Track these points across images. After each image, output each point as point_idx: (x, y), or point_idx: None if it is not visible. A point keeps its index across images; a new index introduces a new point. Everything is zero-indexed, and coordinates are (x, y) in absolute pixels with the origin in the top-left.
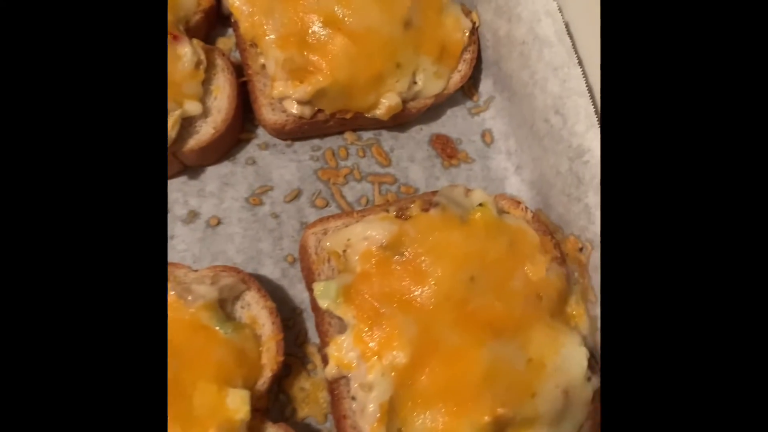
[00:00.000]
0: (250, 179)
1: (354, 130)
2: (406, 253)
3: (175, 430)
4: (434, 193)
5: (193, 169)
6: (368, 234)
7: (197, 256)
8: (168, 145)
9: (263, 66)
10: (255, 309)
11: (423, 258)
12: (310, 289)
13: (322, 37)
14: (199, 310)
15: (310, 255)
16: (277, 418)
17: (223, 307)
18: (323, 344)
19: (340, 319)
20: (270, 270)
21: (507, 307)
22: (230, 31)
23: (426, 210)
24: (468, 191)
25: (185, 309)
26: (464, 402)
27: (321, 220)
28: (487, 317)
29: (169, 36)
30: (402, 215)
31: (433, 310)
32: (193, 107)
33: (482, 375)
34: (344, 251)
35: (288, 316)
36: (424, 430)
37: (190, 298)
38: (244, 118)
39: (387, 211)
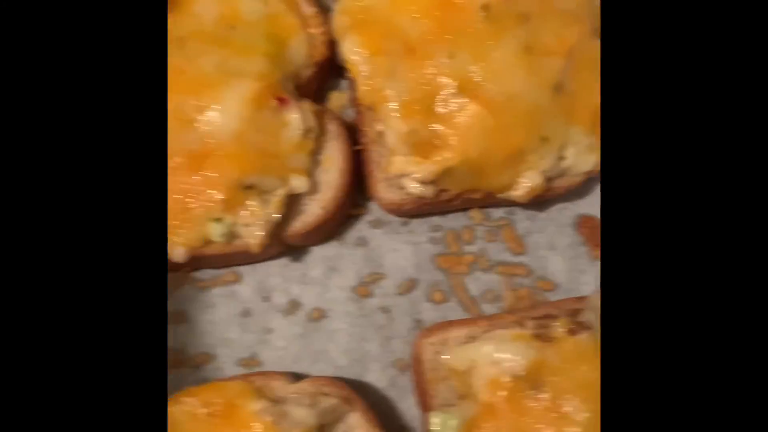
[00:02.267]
0: (359, 264)
1: (482, 207)
2: (545, 388)
3: None
4: (582, 299)
5: (296, 249)
6: (498, 357)
7: (296, 355)
8: (271, 229)
9: (381, 134)
10: None
11: (568, 399)
12: (424, 408)
13: (453, 105)
14: None
15: (425, 371)
16: None
17: (323, 430)
18: None
19: None
20: (377, 376)
21: None
22: (344, 83)
23: (573, 332)
24: None
25: None
26: None
27: (440, 327)
28: None
29: (274, 100)
30: (542, 335)
31: None
32: (299, 183)
33: None
34: (467, 371)
35: None
36: None
37: (285, 425)
38: (356, 190)
39: (521, 325)
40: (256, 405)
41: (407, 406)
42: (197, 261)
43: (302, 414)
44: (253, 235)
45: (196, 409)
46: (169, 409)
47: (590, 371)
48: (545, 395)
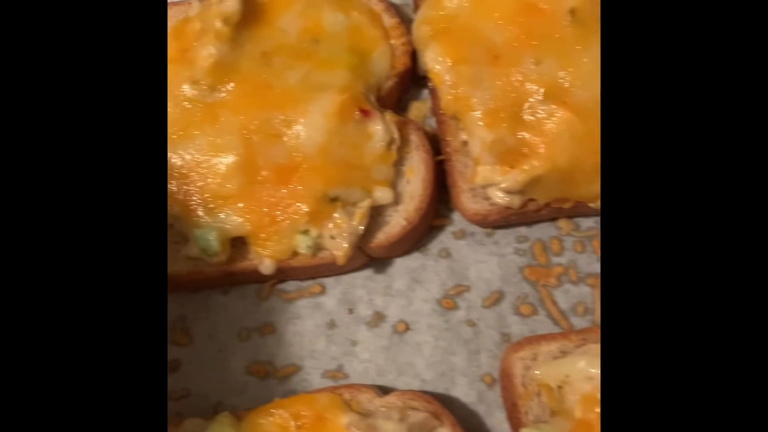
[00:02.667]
0: (443, 276)
1: (570, 217)
2: None
3: None
4: None
5: (379, 260)
6: (593, 373)
7: (382, 368)
8: (356, 241)
9: (465, 143)
10: None
11: None
12: (514, 425)
13: (541, 112)
14: None
15: (516, 386)
16: None
17: None
18: None
19: None
20: (464, 391)
21: None
22: (425, 93)
23: None
24: None
25: None
26: None
27: (529, 341)
28: None
29: (358, 112)
30: None
31: None
32: (383, 195)
33: None
34: (560, 387)
35: None
36: None
37: None
38: (438, 201)
39: None
40: (345, 418)
41: (496, 422)
42: (283, 273)
43: (391, 428)
44: (339, 247)
45: (287, 422)
46: (259, 420)
47: None
48: None
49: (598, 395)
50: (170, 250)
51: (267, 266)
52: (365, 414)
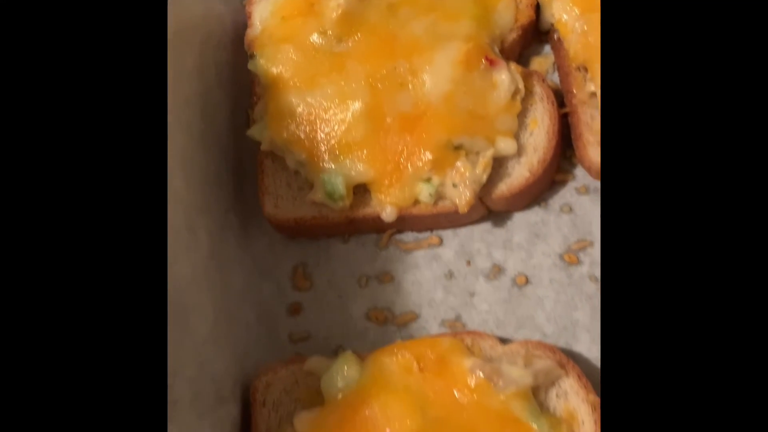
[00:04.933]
0: (565, 231)
1: None
2: None
3: None
4: None
5: (498, 214)
6: None
7: (501, 320)
8: (478, 190)
9: (593, 95)
10: (574, 401)
11: None
12: None
13: None
14: (511, 398)
15: None
16: None
17: (536, 394)
18: None
19: None
20: (587, 347)
21: None
22: (546, 48)
23: None
24: None
25: (494, 395)
26: None
27: None
28: None
29: (484, 60)
30: None
31: None
32: (507, 146)
33: None
34: None
35: None
36: None
37: (501, 383)
38: (561, 156)
39: None
40: (469, 362)
41: None
42: (403, 222)
43: (517, 373)
44: (461, 196)
45: (410, 362)
46: (382, 359)
47: None
48: None
49: None
50: (296, 196)
51: (389, 213)
52: (488, 360)
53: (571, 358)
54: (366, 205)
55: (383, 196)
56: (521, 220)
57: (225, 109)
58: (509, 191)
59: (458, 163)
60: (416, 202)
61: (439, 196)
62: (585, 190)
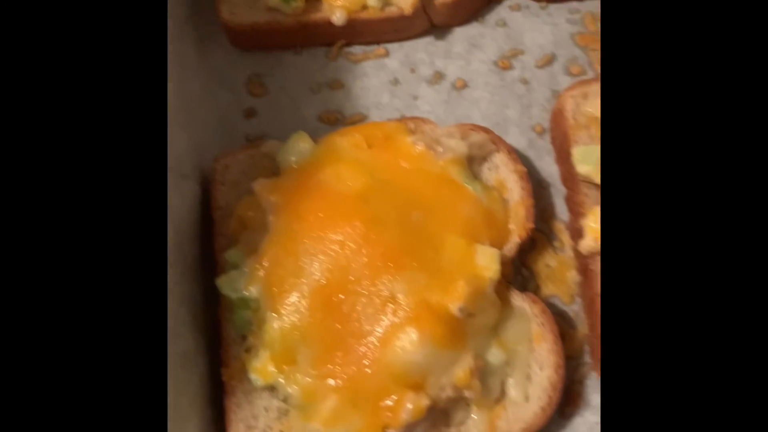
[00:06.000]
0: (500, 42)
1: None
2: None
3: (423, 279)
4: None
5: (440, 29)
6: None
7: (441, 118)
8: None
9: None
10: (504, 172)
11: None
12: (562, 160)
13: None
14: (449, 163)
15: (567, 119)
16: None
17: (470, 166)
18: (575, 217)
19: (598, 188)
20: (516, 139)
21: None
22: None
23: None
24: None
25: (434, 161)
26: None
27: (581, 83)
28: None
29: None
30: None
31: None
32: None
33: None
34: None
35: (534, 189)
36: None
37: (440, 149)
38: None
39: None
40: (411, 137)
41: (545, 164)
42: (352, 31)
43: (454, 144)
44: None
45: (359, 141)
46: (334, 139)
47: None
48: None
49: None
50: (252, 2)
51: (339, 17)
52: (429, 136)
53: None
54: (317, 10)
55: (333, 0)
56: (461, 33)
57: None
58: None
59: None
60: (365, 7)
61: (385, 3)
62: (518, 7)
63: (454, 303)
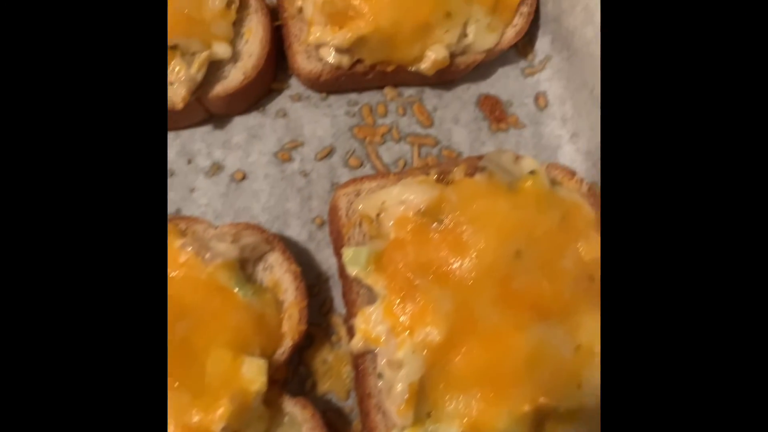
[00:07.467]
0: (280, 133)
1: (395, 86)
2: (445, 220)
3: (185, 398)
4: (480, 157)
5: (219, 118)
6: (405, 198)
7: (219, 212)
8: (194, 88)
9: (300, 9)
10: (278, 272)
11: (464, 227)
12: (339, 255)
13: None
14: (217, 269)
15: (341, 217)
16: (296, 392)
17: (244, 268)
18: (350, 315)
19: (369, 288)
20: (296, 232)
21: (555, 287)
22: None
23: (470, 175)
24: (518, 158)
25: (202, 267)
26: (503, 388)
27: (354, 181)
28: (533, 297)
29: None
30: (443, 179)
31: (473, 286)
32: (222, 50)
33: (524, 360)
34: (378, 215)
35: (313, 283)
36: (456, 415)
37: (208, 255)
38: (277, 67)
39: (427, 174)
40: (179, 241)
41: (324, 257)
42: None
43: (224, 248)
44: (177, 93)
45: None
46: None
47: (485, 205)
48: (445, 227)
49: (410, 215)
50: None
51: None
52: (199, 240)
53: (283, 242)
54: None
55: None
56: (240, 123)
57: None
58: (225, 92)
59: (174, 62)
60: None
61: None
62: (298, 98)
63: (216, 424)
